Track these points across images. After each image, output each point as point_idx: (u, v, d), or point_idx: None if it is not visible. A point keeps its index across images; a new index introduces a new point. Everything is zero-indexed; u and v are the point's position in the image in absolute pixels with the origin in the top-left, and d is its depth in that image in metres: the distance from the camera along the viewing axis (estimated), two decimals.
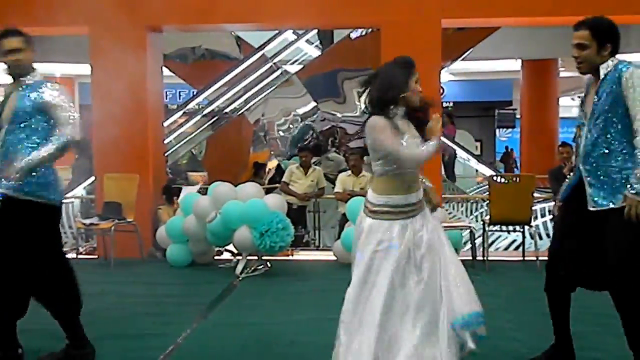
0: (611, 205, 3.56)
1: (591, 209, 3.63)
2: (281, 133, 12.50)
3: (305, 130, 12.20)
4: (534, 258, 6.95)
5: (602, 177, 3.61)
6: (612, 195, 3.57)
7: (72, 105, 3.97)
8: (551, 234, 9.05)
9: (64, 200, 4.24)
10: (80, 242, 8.67)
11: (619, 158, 3.57)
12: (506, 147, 22.80)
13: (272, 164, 12.36)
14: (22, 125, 3.89)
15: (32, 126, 3.90)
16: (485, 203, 10.26)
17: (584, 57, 3.67)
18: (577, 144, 3.82)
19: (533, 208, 7.69)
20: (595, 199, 3.62)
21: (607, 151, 3.60)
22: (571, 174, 3.91)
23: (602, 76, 3.62)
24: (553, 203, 4.46)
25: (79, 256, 8.12)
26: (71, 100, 4.01)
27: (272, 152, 12.67)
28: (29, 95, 3.89)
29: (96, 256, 8.11)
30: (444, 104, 13.21)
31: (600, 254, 3.63)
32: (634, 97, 3.47)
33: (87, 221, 7.56)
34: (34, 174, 3.83)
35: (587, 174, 3.66)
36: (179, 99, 18.94)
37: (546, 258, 3.98)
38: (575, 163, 3.85)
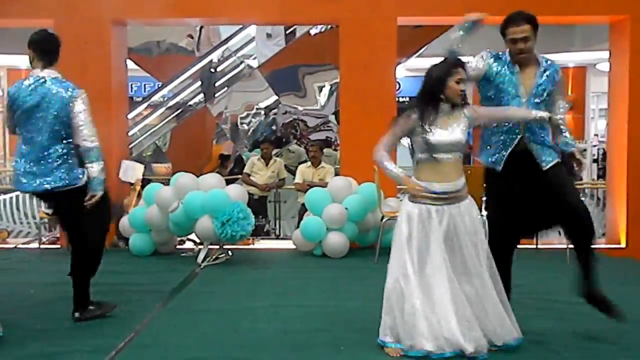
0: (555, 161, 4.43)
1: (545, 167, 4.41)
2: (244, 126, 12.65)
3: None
4: None
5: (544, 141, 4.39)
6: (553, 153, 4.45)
7: None
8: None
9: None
10: (43, 232, 8.69)
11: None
12: None
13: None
14: None
15: None
16: None
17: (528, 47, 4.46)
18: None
19: (483, 199, 7.94)
20: (544, 158, 4.39)
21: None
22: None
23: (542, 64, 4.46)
24: None
25: (42, 246, 8.19)
26: None
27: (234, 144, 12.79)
28: None
29: (59, 246, 8.14)
30: (400, 99, 13.43)
31: (551, 200, 4.33)
32: None
33: (50, 211, 7.58)
34: None
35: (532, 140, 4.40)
36: (144, 91, 18.91)
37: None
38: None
